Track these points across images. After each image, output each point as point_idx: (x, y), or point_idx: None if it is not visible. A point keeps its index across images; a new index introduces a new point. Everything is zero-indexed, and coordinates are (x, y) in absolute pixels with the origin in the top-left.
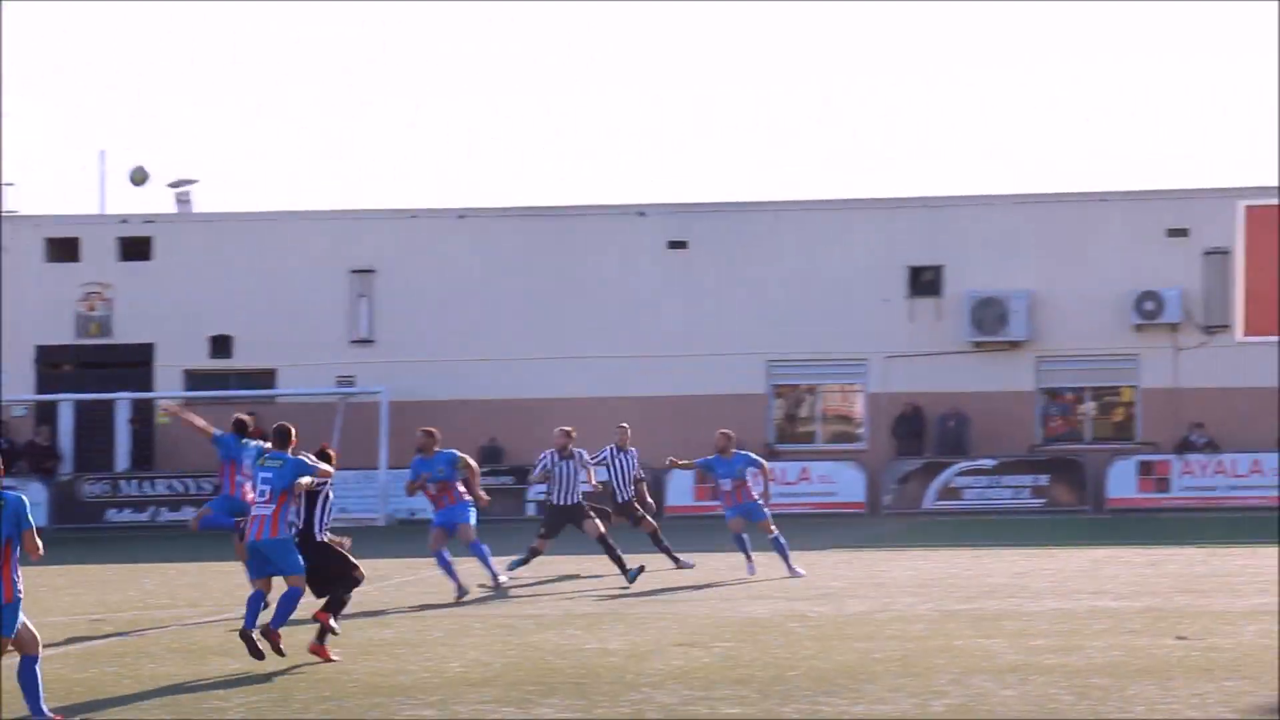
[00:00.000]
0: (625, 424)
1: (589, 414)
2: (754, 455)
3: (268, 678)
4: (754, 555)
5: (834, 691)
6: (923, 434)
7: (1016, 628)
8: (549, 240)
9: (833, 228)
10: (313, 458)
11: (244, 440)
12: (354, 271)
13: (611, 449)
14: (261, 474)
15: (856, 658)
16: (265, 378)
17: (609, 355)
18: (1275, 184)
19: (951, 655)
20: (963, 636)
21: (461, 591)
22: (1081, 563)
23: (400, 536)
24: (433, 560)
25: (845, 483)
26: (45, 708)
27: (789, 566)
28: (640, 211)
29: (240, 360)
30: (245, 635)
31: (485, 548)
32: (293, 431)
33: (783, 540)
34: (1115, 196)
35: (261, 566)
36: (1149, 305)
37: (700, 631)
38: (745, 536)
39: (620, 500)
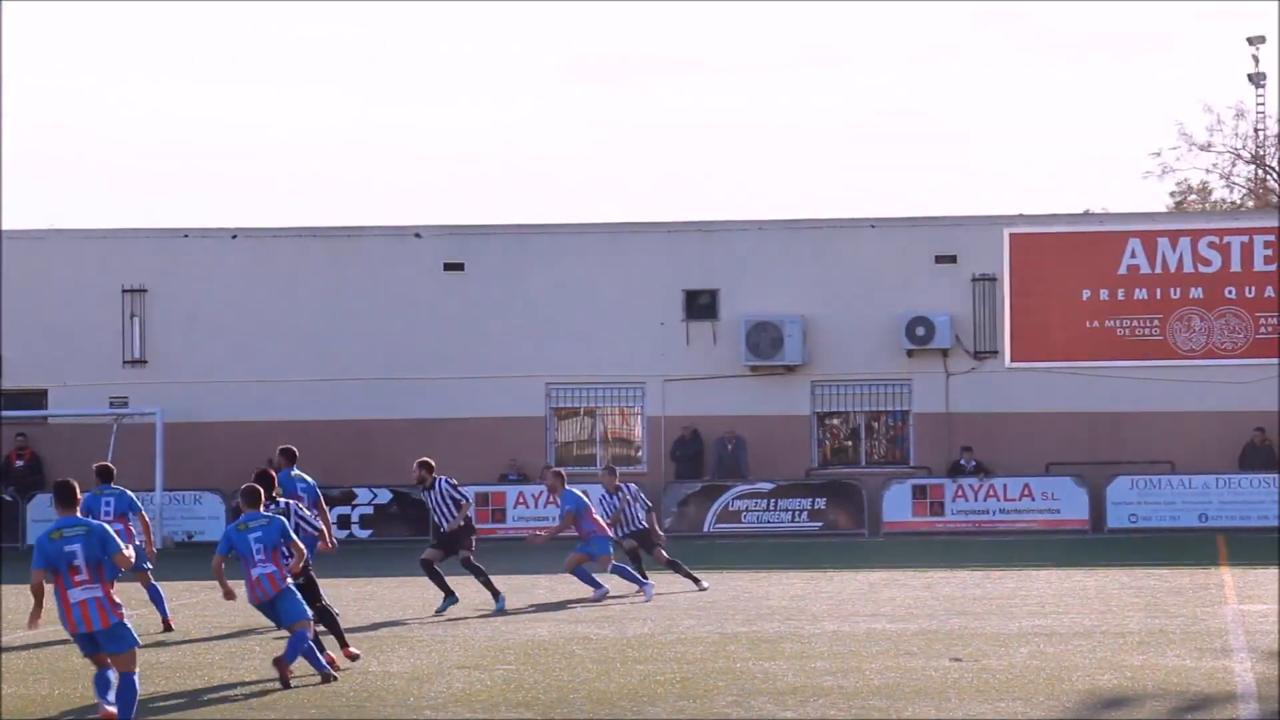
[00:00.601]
0: (613, 465)
1: (366, 436)
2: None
3: (30, 700)
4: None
5: (616, 714)
6: (701, 457)
7: (795, 650)
8: (324, 261)
9: (608, 251)
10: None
11: (101, 490)
12: (126, 291)
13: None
14: (251, 536)
15: (638, 680)
16: (35, 399)
17: (386, 377)
18: (1039, 212)
19: (732, 677)
20: (743, 659)
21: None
22: (859, 585)
23: (176, 559)
24: (210, 585)
25: None
26: None
27: (641, 583)
28: (416, 233)
29: (9, 381)
30: (327, 676)
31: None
32: (261, 493)
33: (621, 564)
34: (884, 223)
35: (276, 618)
36: (920, 330)
37: (482, 654)
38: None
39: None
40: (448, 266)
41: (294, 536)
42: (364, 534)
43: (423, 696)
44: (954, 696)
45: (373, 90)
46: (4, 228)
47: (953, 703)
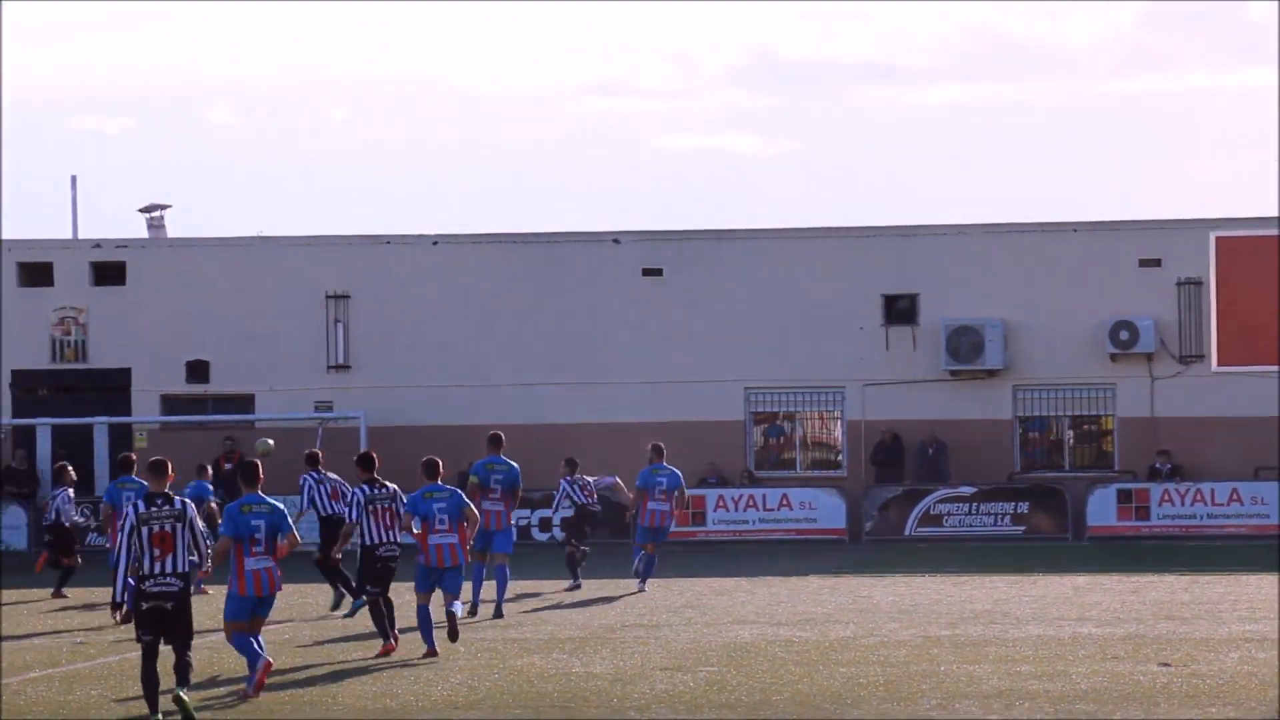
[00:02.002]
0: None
1: (566, 440)
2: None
3: (250, 702)
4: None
5: (819, 716)
6: (902, 461)
7: (1000, 653)
8: (523, 267)
9: (807, 255)
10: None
11: (123, 481)
12: (329, 297)
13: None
14: (435, 505)
15: (842, 682)
16: (243, 403)
17: (586, 381)
18: (1246, 215)
19: (936, 680)
20: (947, 662)
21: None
22: (1063, 589)
23: None
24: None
25: (826, 509)
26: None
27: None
28: (614, 239)
29: (217, 385)
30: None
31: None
32: (439, 465)
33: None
34: (1087, 227)
35: (439, 584)
36: (1124, 335)
37: (685, 656)
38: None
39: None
40: (646, 272)
41: (472, 509)
42: (562, 536)
43: (626, 698)
44: (1163, 701)
45: (570, 95)
46: (213, 235)
47: (1162, 708)
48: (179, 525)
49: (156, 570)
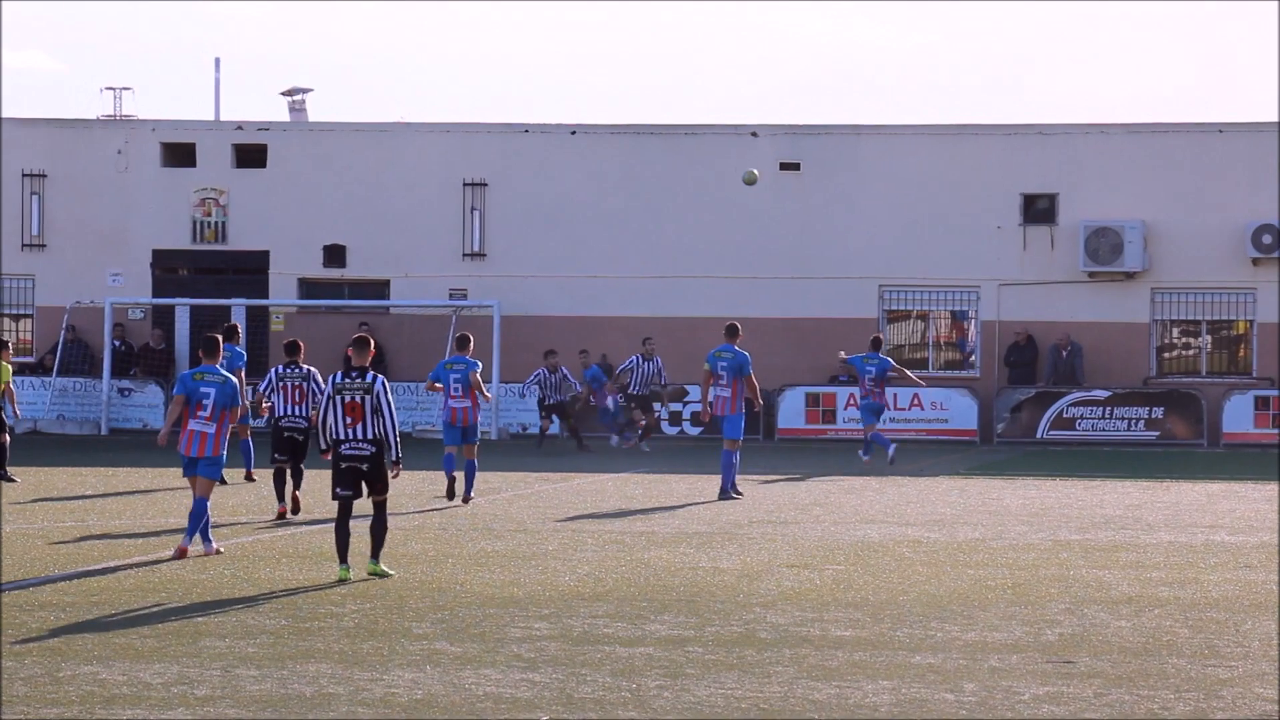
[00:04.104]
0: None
1: (699, 333)
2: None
3: (382, 586)
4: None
5: (946, 617)
6: (1035, 363)
7: (1131, 559)
8: (660, 158)
9: (947, 153)
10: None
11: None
12: (467, 184)
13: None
14: (452, 375)
15: (969, 584)
16: (378, 288)
17: (719, 275)
18: None
19: (1065, 585)
20: (1076, 566)
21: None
22: (1196, 496)
23: (512, 450)
24: (545, 476)
25: (957, 410)
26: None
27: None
28: (753, 132)
29: (354, 270)
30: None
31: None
32: (470, 341)
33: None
34: (1231, 128)
35: (461, 439)
36: (1266, 239)
37: (812, 553)
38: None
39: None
40: (784, 166)
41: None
42: (694, 431)
43: (752, 593)
44: None
45: None
46: (353, 120)
47: None
48: (366, 397)
49: (349, 435)
